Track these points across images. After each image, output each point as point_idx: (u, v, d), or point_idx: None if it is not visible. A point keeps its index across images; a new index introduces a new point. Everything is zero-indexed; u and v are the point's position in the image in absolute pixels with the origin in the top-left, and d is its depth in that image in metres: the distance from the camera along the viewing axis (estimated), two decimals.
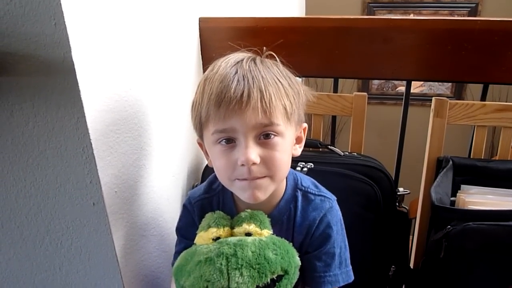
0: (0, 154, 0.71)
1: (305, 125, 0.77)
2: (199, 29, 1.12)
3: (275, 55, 0.73)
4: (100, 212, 0.73)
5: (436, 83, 3.29)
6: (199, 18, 1.12)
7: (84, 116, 0.65)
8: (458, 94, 3.24)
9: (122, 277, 0.79)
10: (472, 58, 1.03)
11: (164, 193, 0.94)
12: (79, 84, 0.63)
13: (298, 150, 0.77)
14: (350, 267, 0.78)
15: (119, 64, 0.74)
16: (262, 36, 1.11)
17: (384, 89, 3.39)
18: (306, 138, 1.14)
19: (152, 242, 0.90)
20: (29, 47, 0.62)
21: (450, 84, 3.28)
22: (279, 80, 0.67)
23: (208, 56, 1.13)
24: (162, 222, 0.93)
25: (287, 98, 0.68)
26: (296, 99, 0.70)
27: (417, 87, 3.31)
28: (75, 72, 0.62)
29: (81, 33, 0.63)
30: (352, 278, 0.78)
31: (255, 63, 0.68)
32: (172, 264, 0.80)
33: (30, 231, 0.77)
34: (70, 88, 0.64)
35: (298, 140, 0.77)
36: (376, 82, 3.39)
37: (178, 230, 0.83)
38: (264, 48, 0.74)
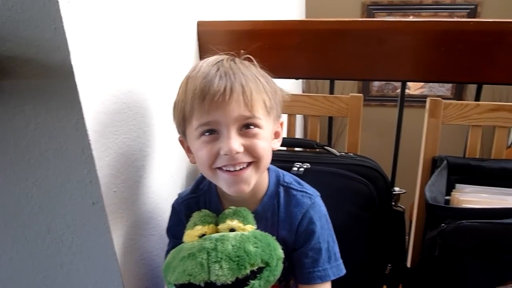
0: (2, 155, 0.73)
1: (282, 120, 0.81)
2: (197, 32, 1.14)
3: (252, 58, 0.77)
4: (99, 211, 0.75)
5: (437, 85, 3.31)
6: (198, 22, 1.14)
7: (83, 118, 0.67)
8: (458, 96, 3.25)
9: (121, 275, 0.81)
10: (466, 59, 1.05)
11: (163, 194, 0.96)
12: (78, 87, 0.65)
13: (277, 144, 0.80)
14: (341, 260, 0.80)
15: (117, 67, 0.76)
16: (259, 39, 1.12)
17: (384, 91, 3.41)
18: (303, 139, 1.16)
19: (151, 241, 0.92)
20: (30, 51, 0.64)
21: (450, 85, 3.29)
22: (257, 78, 0.72)
23: None
24: (161, 222, 0.95)
25: (266, 94, 0.72)
26: (273, 96, 0.74)
27: (417, 88, 3.32)
28: (74, 75, 0.64)
29: (79, 38, 0.65)
30: (344, 271, 0.79)
31: (234, 62, 0.73)
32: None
33: (31, 230, 0.79)
34: (69, 91, 0.66)
35: (276, 135, 0.80)
36: (376, 84, 3.40)
37: (168, 230, 0.87)
38: (242, 51, 0.78)
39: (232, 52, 0.77)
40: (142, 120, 0.85)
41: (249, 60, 0.77)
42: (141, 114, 0.85)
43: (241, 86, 0.68)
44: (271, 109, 0.73)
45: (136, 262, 0.87)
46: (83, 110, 0.67)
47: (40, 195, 0.75)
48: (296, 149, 1.19)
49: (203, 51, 1.15)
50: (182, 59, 1.07)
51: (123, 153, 0.79)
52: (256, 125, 0.71)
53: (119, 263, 0.80)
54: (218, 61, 0.72)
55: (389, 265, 1.07)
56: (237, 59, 0.74)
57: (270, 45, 1.11)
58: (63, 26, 0.61)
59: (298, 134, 1.30)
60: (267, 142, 0.73)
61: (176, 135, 1.00)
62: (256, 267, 0.69)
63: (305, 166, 0.99)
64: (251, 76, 0.71)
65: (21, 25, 0.62)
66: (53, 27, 0.62)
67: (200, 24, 1.14)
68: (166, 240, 0.95)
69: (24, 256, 0.82)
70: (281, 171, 0.83)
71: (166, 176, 0.98)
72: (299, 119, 2.05)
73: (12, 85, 0.67)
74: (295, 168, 0.98)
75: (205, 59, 0.75)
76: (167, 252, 0.84)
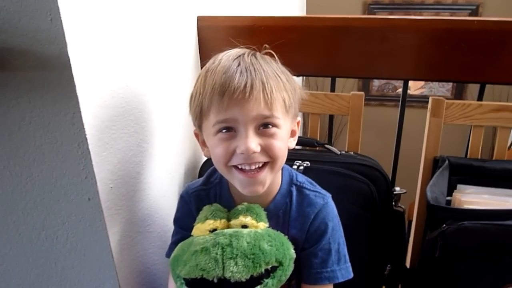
0: None
1: (299, 119, 0.80)
2: (197, 27, 1.12)
3: (273, 53, 0.76)
4: (95, 207, 0.73)
5: (437, 85, 3.29)
6: (197, 17, 1.12)
7: (80, 112, 0.66)
8: (458, 96, 3.23)
9: (117, 273, 0.80)
10: (469, 58, 1.03)
11: (161, 190, 0.95)
12: (75, 80, 0.64)
13: (293, 143, 0.79)
14: (349, 263, 0.79)
15: (116, 60, 0.75)
16: (259, 35, 1.11)
17: (384, 90, 3.39)
18: (303, 137, 1.15)
19: (148, 238, 0.91)
20: (25, 43, 0.62)
21: (450, 86, 3.27)
22: (278, 75, 0.70)
23: (206, 54, 1.13)
24: (159, 219, 0.94)
25: (285, 92, 0.70)
26: (293, 94, 0.73)
27: (417, 88, 3.30)
28: (70, 67, 0.63)
29: (77, 29, 0.63)
30: (352, 274, 0.78)
31: (255, 57, 0.71)
32: (167, 255, 0.81)
33: (26, 226, 0.77)
34: (66, 84, 0.64)
35: (292, 133, 0.78)
36: (376, 83, 3.39)
37: (176, 221, 0.85)
38: (266, 45, 0.77)
39: (253, 46, 0.75)
40: (140, 115, 0.84)
41: (270, 55, 0.75)
42: (138, 109, 0.83)
43: (262, 83, 0.67)
44: (290, 107, 0.72)
45: (132, 260, 0.85)
46: (80, 103, 0.65)
47: (34, 190, 0.74)
48: (296, 147, 1.18)
49: (203, 46, 1.13)
50: (182, 54, 1.05)
51: (120, 148, 0.77)
52: (274, 125, 0.69)
53: (115, 260, 0.79)
54: (239, 55, 0.70)
55: (389, 265, 1.06)
56: (258, 54, 0.72)
57: (271, 41, 1.09)
58: (60, 17, 0.60)
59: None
60: (284, 142, 0.72)
61: (175, 131, 0.99)
62: (270, 266, 0.68)
63: (305, 165, 0.98)
64: (272, 72, 0.69)
65: (17, 16, 0.61)
66: (49, 18, 0.60)
67: (200, 19, 1.12)
68: (163, 237, 0.94)
69: (18, 253, 0.80)
70: (294, 171, 0.83)
71: (165, 173, 0.96)
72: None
73: (6, 77, 0.66)
74: (295, 166, 0.97)
75: (225, 52, 0.73)
76: (173, 243, 0.82)
